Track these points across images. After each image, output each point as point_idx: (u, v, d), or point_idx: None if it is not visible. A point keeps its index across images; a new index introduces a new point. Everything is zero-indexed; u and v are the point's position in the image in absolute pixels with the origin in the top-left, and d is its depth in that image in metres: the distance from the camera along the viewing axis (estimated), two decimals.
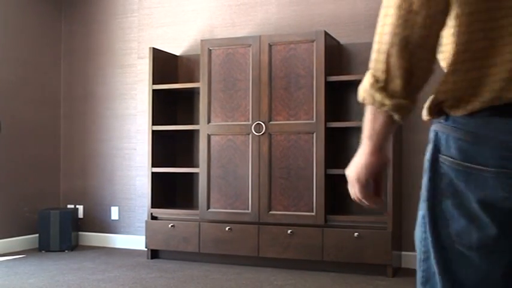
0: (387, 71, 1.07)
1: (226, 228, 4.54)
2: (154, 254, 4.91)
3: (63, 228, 5.21)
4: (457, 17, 1.06)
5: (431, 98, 1.14)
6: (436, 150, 1.12)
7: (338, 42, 4.70)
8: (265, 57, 4.49)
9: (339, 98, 4.71)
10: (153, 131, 4.90)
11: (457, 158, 1.08)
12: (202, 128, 4.69)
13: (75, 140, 5.75)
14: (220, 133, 4.59)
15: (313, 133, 4.35)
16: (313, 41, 4.37)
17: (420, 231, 1.15)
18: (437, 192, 1.11)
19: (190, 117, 5.22)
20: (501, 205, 1.05)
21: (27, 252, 5.21)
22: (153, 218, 4.88)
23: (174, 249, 4.76)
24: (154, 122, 4.92)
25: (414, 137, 4.55)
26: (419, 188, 4.51)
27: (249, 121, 4.52)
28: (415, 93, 1.10)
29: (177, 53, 5.32)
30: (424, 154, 4.51)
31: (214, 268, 4.47)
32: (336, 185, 4.60)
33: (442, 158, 1.10)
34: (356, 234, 4.19)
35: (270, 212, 4.45)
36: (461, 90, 1.07)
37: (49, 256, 4.98)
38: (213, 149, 4.64)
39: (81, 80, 5.75)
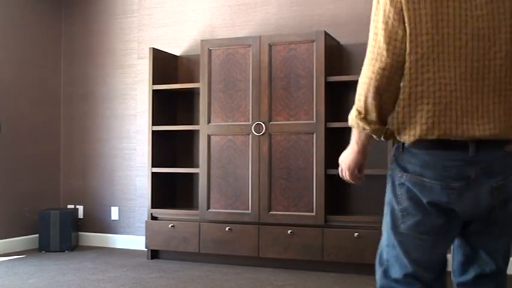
0: (365, 107, 1.59)
1: (226, 229, 4.54)
2: (154, 254, 4.91)
3: (63, 229, 5.21)
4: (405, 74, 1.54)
5: (390, 129, 1.63)
6: (395, 169, 1.63)
7: (338, 43, 4.70)
8: (265, 58, 4.49)
9: (339, 98, 4.72)
10: (153, 131, 4.90)
11: (414, 174, 1.57)
12: (202, 128, 4.69)
13: (75, 140, 5.75)
14: (220, 133, 4.59)
15: (313, 133, 4.35)
16: (313, 41, 4.37)
17: (386, 225, 1.68)
18: (397, 199, 1.62)
19: (190, 117, 5.22)
20: (444, 205, 1.55)
21: (27, 252, 5.21)
22: (153, 218, 4.88)
23: (174, 250, 4.76)
24: (155, 122, 4.92)
25: None
26: None
27: (249, 121, 4.52)
28: (385, 120, 1.60)
29: (177, 53, 5.33)
30: None
31: (215, 268, 4.47)
32: (336, 185, 4.60)
33: (401, 173, 1.60)
34: (356, 234, 4.19)
35: (270, 212, 4.45)
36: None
37: (49, 256, 4.99)
38: (213, 149, 4.64)
39: (81, 80, 5.75)
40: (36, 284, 3.94)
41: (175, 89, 4.99)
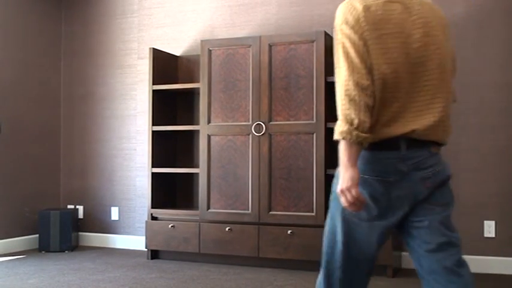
0: (356, 115, 1.77)
1: (227, 229, 4.54)
2: (154, 254, 4.91)
3: (63, 229, 5.21)
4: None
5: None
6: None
7: None
8: (265, 58, 4.49)
9: None
10: (153, 132, 4.91)
11: (365, 173, 1.83)
12: (203, 128, 4.69)
13: (75, 140, 5.75)
14: (221, 133, 4.59)
15: (313, 133, 4.35)
16: (313, 41, 4.37)
17: (331, 217, 1.93)
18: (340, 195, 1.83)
19: (190, 117, 5.22)
20: (380, 198, 1.82)
21: (27, 252, 5.21)
22: (153, 218, 4.88)
23: (174, 250, 4.76)
24: (155, 122, 4.92)
25: None
26: None
27: (249, 121, 4.52)
28: (366, 125, 1.78)
29: (177, 54, 5.33)
30: None
31: (215, 268, 4.47)
32: None
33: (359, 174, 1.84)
34: None
35: (270, 213, 4.45)
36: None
37: (49, 256, 4.99)
38: (213, 150, 4.64)
39: (81, 81, 5.75)
40: (36, 284, 3.94)
41: (175, 89, 4.99)
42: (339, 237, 1.89)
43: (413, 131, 1.82)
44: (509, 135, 4.32)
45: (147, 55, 5.43)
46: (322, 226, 4.32)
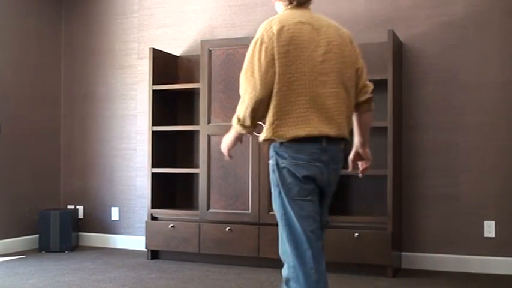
0: (244, 118, 2.34)
1: (227, 229, 4.54)
2: (154, 254, 4.91)
3: (64, 229, 5.21)
4: (274, 99, 2.29)
5: (268, 135, 2.33)
6: (278, 159, 2.34)
7: None
8: None
9: None
10: (153, 132, 4.91)
11: (289, 158, 2.29)
12: (203, 128, 4.69)
13: (75, 140, 5.75)
14: (221, 133, 4.59)
15: None
16: None
17: (279, 200, 2.34)
18: (283, 176, 2.31)
19: (190, 117, 5.22)
20: (312, 176, 2.30)
21: (27, 252, 5.21)
22: (153, 218, 4.88)
23: (174, 250, 4.76)
24: (155, 122, 4.92)
25: (414, 137, 4.55)
26: (420, 188, 4.51)
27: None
28: (255, 124, 2.35)
29: (177, 54, 5.33)
30: (424, 155, 4.51)
31: (215, 268, 4.47)
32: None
33: (284, 161, 2.31)
34: (356, 234, 4.19)
35: (270, 213, 4.45)
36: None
37: (49, 257, 4.98)
38: (213, 150, 4.64)
39: (81, 81, 5.75)
40: (36, 284, 3.94)
41: (176, 89, 4.99)
42: (289, 209, 2.33)
43: (327, 130, 2.30)
44: (509, 135, 4.32)
45: (147, 55, 5.43)
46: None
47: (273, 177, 2.36)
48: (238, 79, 4.58)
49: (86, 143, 5.70)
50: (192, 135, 5.21)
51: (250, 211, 4.51)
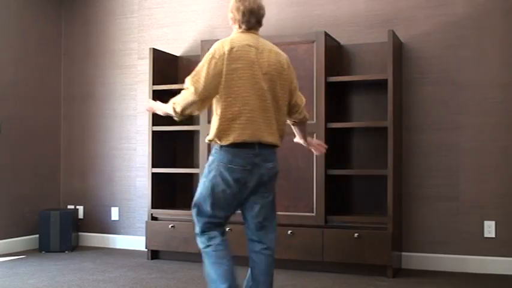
0: (175, 110, 2.80)
1: (227, 229, 4.54)
2: (154, 254, 4.91)
3: (64, 229, 5.21)
4: (218, 102, 2.76)
5: (213, 137, 2.76)
6: (216, 159, 2.76)
7: (338, 43, 4.70)
8: None
9: (340, 99, 4.72)
10: (153, 132, 4.91)
11: (226, 163, 2.73)
12: (203, 128, 4.69)
13: (75, 140, 5.75)
14: None
15: (313, 134, 4.35)
16: (313, 42, 4.37)
17: (205, 192, 2.81)
18: (215, 176, 2.76)
19: (190, 117, 5.21)
20: (241, 180, 2.73)
21: (27, 252, 5.21)
22: (153, 218, 4.88)
23: (174, 250, 4.76)
24: (154, 122, 4.92)
25: (414, 137, 4.55)
26: (420, 188, 4.51)
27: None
28: (183, 116, 2.83)
29: (177, 54, 5.33)
30: (424, 155, 4.51)
31: None
32: (336, 185, 4.60)
33: (220, 163, 2.74)
34: (356, 234, 4.19)
35: None
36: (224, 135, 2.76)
37: (49, 257, 4.99)
38: None
39: (81, 81, 5.75)
40: (36, 284, 3.94)
41: (176, 89, 4.99)
42: (209, 205, 2.81)
43: (262, 137, 2.75)
44: (509, 136, 4.32)
45: (147, 55, 5.43)
46: (322, 226, 4.32)
47: (206, 171, 2.82)
48: None
49: (86, 143, 5.70)
50: (192, 135, 5.21)
51: None
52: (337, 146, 4.68)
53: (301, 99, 3.02)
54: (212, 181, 2.77)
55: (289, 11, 4.95)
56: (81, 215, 5.67)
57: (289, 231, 4.36)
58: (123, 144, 5.54)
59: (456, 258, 4.40)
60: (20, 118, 5.35)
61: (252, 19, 2.84)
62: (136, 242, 5.41)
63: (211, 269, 2.86)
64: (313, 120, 4.35)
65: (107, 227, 5.58)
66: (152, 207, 4.87)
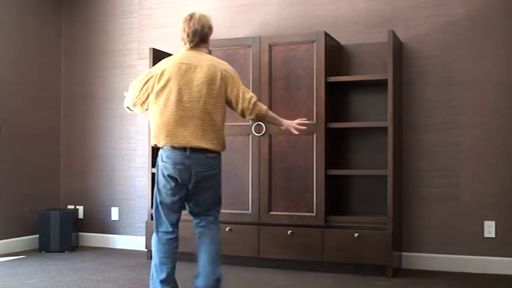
0: (126, 102, 3.41)
1: (227, 229, 4.54)
2: None
3: (64, 229, 5.21)
4: (151, 112, 3.30)
5: (152, 141, 3.29)
6: (159, 159, 3.25)
7: (338, 43, 4.70)
8: (265, 58, 4.50)
9: (339, 99, 4.72)
10: None
11: (164, 161, 3.20)
12: None
13: (75, 140, 5.75)
14: None
15: (313, 134, 4.35)
16: (313, 42, 4.37)
17: (155, 186, 3.29)
18: (158, 174, 3.25)
19: None
20: (174, 176, 3.19)
21: (27, 252, 5.21)
22: (153, 218, 4.88)
23: None
24: None
25: (414, 137, 4.55)
26: (420, 188, 4.51)
27: (249, 122, 4.53)
28: (131, 110, 3.45)
29: None
30: (424, 155, 4.51)
31: None
32: (336, 185, 4.61)
33: (160, 162, 3.23)
34: (356, 234, 4.19)
35: (270, 213, 4.45)
36: (159, 138, 3.24)
37: (49, 257, 4.99)
38: None
39: (81, 81, 5.75)
40: (36, 284, 3.94)
41: None
42: (158, 196, 3.28)
43: (189, 142, 3.16)
44: (509, 136, 4.32)
45: (147, 55, 5.43)
46: (322, 226, 4.32)
47: (156, 169, 3.31)
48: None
49: (86, 143, 5.70)
50: None
51: (250, 211, 4.51)
52: (337, 146, 4.68)
53: (247, 101, 3.27)
54: (157, 177, 3.29)
55: (290, 11, 4.95)
56: (81, 215, 5.67)
57: (289, 231, 4.36)
58: (123, 144, 5.54)
59: (456, 258, 4.40)
60: (20, 118, 5.35)
61: (195, 39, 3.26)
62: (136, 242, 5.41)
63: (155, 255, 3.33)
64: (313, 120, 4.35)
65: (107, 227, 5.58)
66: (152, 207, 4.87)
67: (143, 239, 5.33)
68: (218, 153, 3.28)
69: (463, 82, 4.44)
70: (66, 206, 5.76)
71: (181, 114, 3.17)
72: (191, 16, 3.29)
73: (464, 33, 4.44)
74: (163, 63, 3.28)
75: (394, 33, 4.25)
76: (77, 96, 5.76)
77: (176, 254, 3.34)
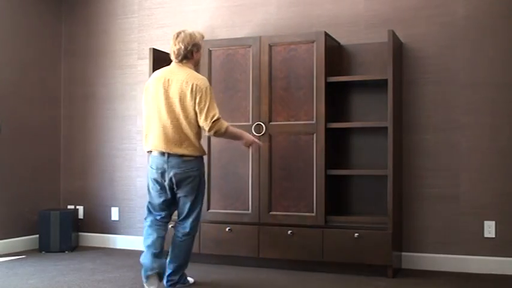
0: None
1: (227, 229, 4.54)
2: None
3: (64, 229, 5.21)
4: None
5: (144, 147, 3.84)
6: (148, 164, 3.77)
7: (338, 43, 4.70)
8: (265, 58, 4.50)
9: (339, 99, 4.72)
10: None
11: (151, 166, 3.72)
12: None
13: (75, 140, 5.75)
14: None
15: (313, 134, 4.35)
16: (313, 42, 4.37)
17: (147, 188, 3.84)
18: (149, 176, 3.76)
19: None
20: (158, 179, 3.71)
21: (27, 253, 5.21)
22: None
23: None
24: None
25: (414, 137, 4.55)
26: (420, 188, 4.51)
27: (249, 122, 4.53)
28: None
29: None
30: (424, 155, 4.51)
31: (215, 269, 4.47)
32: (336, 185, 4.61)
33: (148, 167, 3.76)
34: (356, 234, 4.19)
35: (270, 213, 4.45)
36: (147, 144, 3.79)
37: (49, 257, 4.99)
38: (214, 150, 4.64)
39: (82, 81, 5.75)
40: (36, 284, 3.94)
41: None
42: (148, 195, 3.80)
43: (167, 148, 3.62)
44: (509, 135, 4.32)
45: (147, 55, 5.43)
46: (322, 226, 4.32)
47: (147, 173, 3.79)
48: (238, 79, 4.59)
49: (86, 143, 5.70)
50: None
51: (250, 211, 4.51)
52: (337, 146, 4.68)
53: (209, 118, 3.59)
54: (148, 181, 3.78)
55: (289, 10, 4.95)
56: (81, 215, 5.67)
57: (289, 231, 4.36)
58: (123, 145, 5.54)
59: (456, 258, 4.40)
60: (20, 118, 5.35)
61: (179, 56, 3.69)
62: (136, 242, 5.41)
63: (144, 239, 3.78)
64: (313, 120, 4.35)
65: (107, 227, 5.58)
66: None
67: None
68: (195, 157, 3.68)
69: (463, 82, 4.44)
70: (66, 206, 5.76)
71: (158, 124, 3.64)
72: (178, 34, 3.70)
73: (464, 33, 4.44)
74: (152, 77, 3.76)
75: (394, 33, 4.24)
76: (78, 96, 5.76)
77: (162, 232, 3.76)
